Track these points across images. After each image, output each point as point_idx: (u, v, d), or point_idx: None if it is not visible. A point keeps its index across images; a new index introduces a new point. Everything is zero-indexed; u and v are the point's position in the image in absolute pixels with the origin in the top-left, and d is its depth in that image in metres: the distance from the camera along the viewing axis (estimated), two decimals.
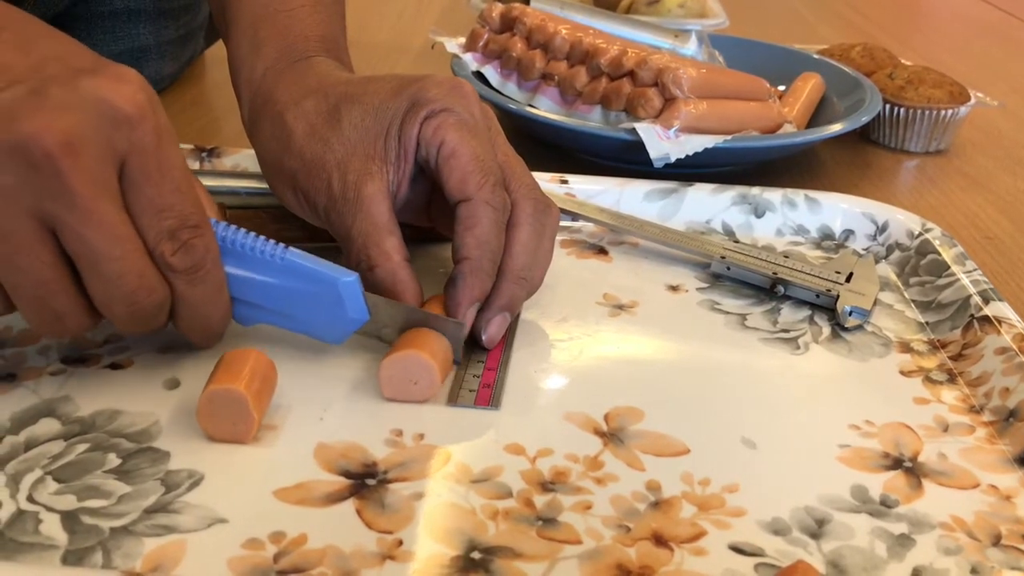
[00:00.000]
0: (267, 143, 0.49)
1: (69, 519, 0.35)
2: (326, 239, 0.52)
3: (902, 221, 0.60)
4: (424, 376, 0.43)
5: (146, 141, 0.37)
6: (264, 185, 0.54)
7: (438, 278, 0.48)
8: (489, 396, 0.44)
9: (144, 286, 0.38)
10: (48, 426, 0.40)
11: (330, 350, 0.46)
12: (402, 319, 0.45)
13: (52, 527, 0.35)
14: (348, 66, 0.55)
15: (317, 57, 0.53)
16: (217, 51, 0.94)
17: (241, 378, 0.39)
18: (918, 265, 0.57)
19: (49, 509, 0.36)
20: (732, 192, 0.62)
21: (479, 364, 0.46)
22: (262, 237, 0.43)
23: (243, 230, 0.42)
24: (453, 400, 0.43)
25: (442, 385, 0.44)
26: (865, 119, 0.73)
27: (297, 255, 0.43)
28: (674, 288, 0.55)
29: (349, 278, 0.43)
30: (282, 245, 0.43)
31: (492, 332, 0.46)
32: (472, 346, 0.47)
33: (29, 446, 0.39)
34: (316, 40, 0.54)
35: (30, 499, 0.36)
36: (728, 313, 0.53)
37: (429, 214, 0.51)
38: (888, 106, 0.80)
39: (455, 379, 0.45)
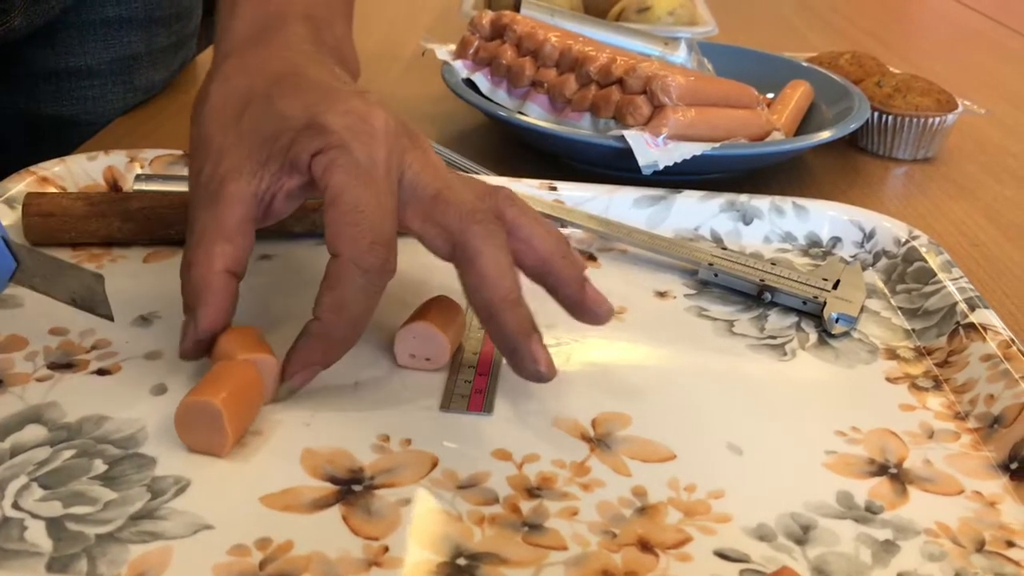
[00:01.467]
0: (199, 91, 0.48)
1: (54, 526, 0.35)
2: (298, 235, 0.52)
3: (889, 228, 0.61)
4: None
5: None
6: None
7: (422, 285, 0.48)
8: (482, 402, 0.44)
9: None
10: (34, 432, 0.40)
11: None
12: (52, 268, 0.45)
13: (37, 534, 0.35)
14: (329, 41, 0.52)
15: (292, 28, 0.50)
16: (209, 58, 0.94)
17: (219, 391, 0.39)
18: (905, 272, 0.58)
19: (34, 516, 0.36)
20: (720, 199, 0.62)
21: (470, 370, 0.46)
22: None
23: None
24: (446, 406, 0.44)
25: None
26: (853, 127, 0.74)
27: None
28: (662, 294, 0.55)
29: None
30: None
31: (543, 361, 0.42)
32: (462, 351, 0.47)
33: (15, 452, 0.39)
34: (297, 12, 0.51)
35: (15, 506, 0.36)
36: (715, 319, 0.53)
37: None
38: (876, 114, 0.80)
39: (447, 385, 0.45)
